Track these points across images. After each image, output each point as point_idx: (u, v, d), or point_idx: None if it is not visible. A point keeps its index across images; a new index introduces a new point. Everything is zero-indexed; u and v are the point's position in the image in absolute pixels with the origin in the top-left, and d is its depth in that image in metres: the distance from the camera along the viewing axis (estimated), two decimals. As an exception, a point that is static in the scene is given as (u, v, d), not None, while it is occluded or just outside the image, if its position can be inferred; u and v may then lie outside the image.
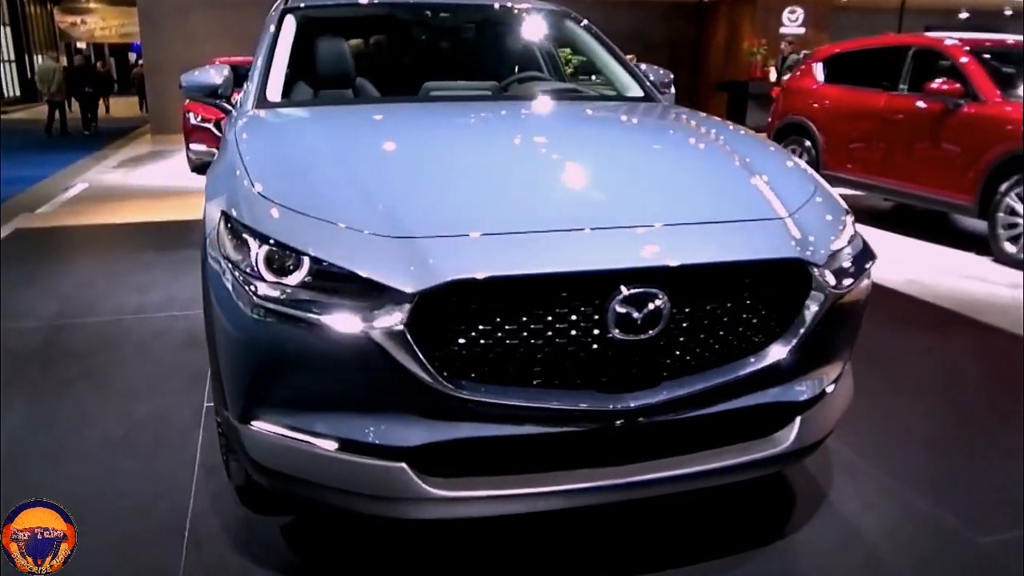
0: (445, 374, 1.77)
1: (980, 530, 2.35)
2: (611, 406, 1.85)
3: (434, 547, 2.25)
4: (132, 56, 29.89)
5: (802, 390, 2.07)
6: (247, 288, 1.86)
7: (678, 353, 1.91)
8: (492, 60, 3.76)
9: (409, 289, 1.73)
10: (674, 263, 1.83)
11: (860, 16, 18.98)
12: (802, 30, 16.94)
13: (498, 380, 1.82)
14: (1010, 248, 5.83)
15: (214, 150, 9.54)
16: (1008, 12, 19.13)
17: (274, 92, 2.95)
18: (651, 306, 1.81)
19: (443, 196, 2.06)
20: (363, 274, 1.77)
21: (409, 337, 1.73)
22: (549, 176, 2.22)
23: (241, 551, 2.23)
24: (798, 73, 8.62)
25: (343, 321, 1.76)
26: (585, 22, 3.60)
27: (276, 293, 1.83)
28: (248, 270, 1.88)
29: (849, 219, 2.24)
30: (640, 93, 3.29)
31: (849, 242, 2.14)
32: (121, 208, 7.64)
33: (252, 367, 1.92)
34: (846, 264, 2.08)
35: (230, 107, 3.10)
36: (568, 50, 5.04)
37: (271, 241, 1.87)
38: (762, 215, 2.05)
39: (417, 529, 2.27)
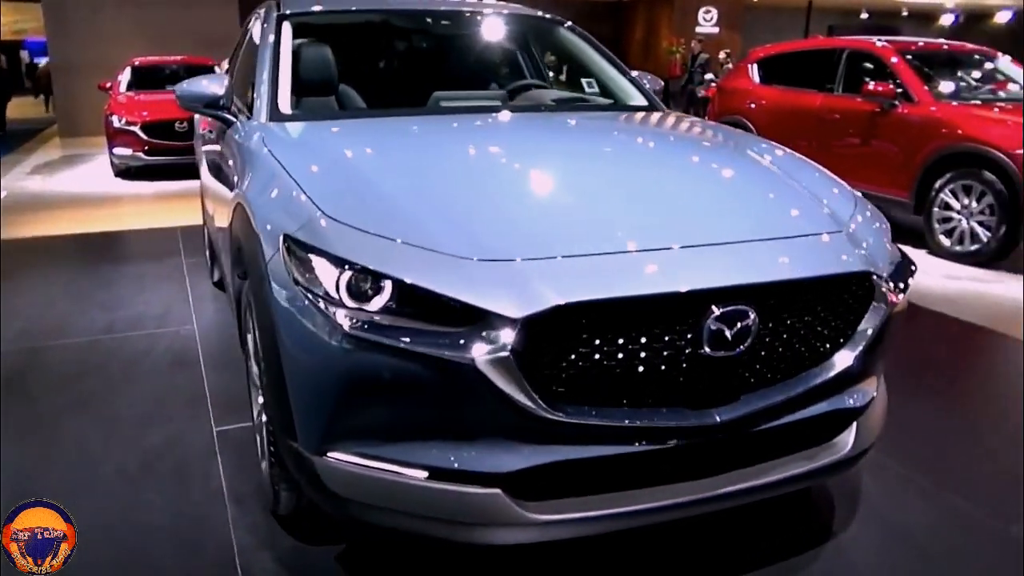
0: (543, 398, 1.76)
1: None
2: (700, 422, 1.88)
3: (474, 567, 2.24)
4: (25, 54, 28.19)
5: (857, 396, 2.15)
6: (330, 316, 1.80)
7: (758, 367, 1.95)
8: (489, 67, 3.74)
9: (515, 314, 1.71)
10: (765, 280, 1.87)
11: (769, 15, 19.70)
12: (716, 30, 17.45)
13: (593, 401, 1.82)
14: (945, 241, 6.18)
15: (139, 154, 9.18)
16: (905, 13, 20.22)
17: (285, 104, 2.85)
18: (741, 323, 1.84)
19: (523, 217, 2.05)
20: (463, 299, 1.74)
21: (515, 363, 1.71)
22: (618, 194, 2.22)
23: (302, 583, 2.16)
24: (733, 74, 8.88)
25: (440, 348, 1.73)
26: (581, 30, 3.62)
27: (360, 320, 1.78)
28: (327, 296, 1.82)
29: (887, 228, 2.33)
30: (643, 102, 3.33)
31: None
32: (53, 218, 7.22)
33: (334, 397, 1.87)
34: (896, 273, 2.16)
35: (232, 118, 2.97)
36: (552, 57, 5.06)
37: (356, 266, 1.81)
38: (828, 228, 2.12)
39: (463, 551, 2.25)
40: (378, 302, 1.80)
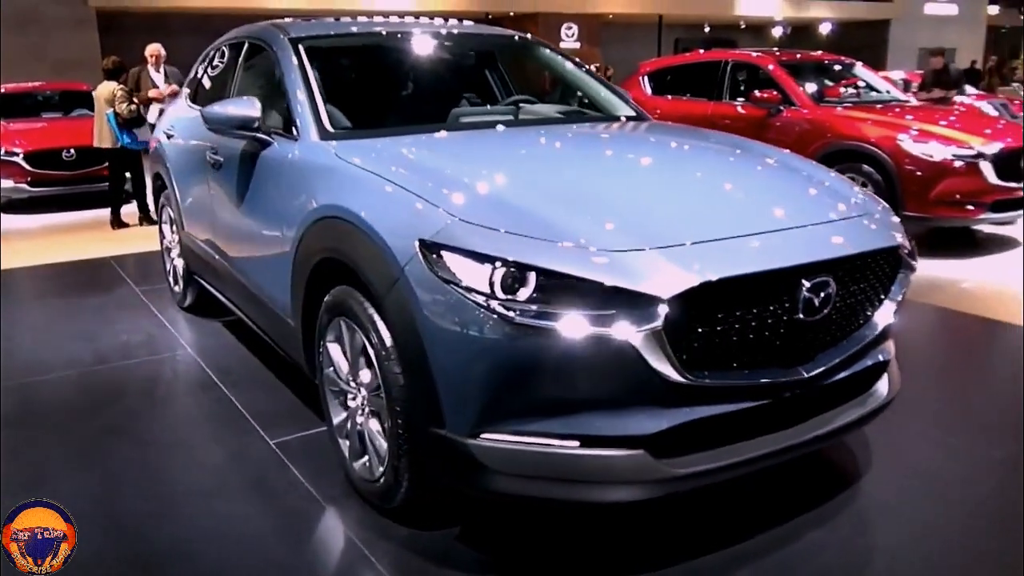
0: (680, 366, 2.05)
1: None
2: (793, 378, 2.22)
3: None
4: None
5: (887, 351, 2.58)
6: (488, 308, 2.01)
7: (828, 328, 2.32)
8: (476, 84, 3.98)
9: (664, 294, 1.99)
10: (841, 254, 2.26)
11: (622, 30, 20.83)
12: (577, 44, 18.29)
13: (717, 366, 2.13)
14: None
15: (23, 185, 8.65)
16: (743, 26, 21.96)
17: (328, 122, 2.98)
18: (824, 292, 2.21)
19: (634, 211, 2.32)
20: (614, 283, 2.00)
21: (664, 337, 1.99)
22: (697, 190, 2.56)
23: (439, 563, 2.33)
24: (625, 85, 9.48)
25: (596, 328, 1.98)
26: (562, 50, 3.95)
27: (519, 309, 2.00)
28: (479, 291, 2.03)
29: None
30: (632, 112, 3.68)
31: None
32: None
33: (491, 383, 2.07)
34: (911, 248, 2.61)
35: (267, 138, 3.07)
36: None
37: (508, 262, 2.03)
38: (866, 212, 2.52)
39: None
40: (524, 293, 2.03)
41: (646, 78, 8.93)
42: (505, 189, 2.38)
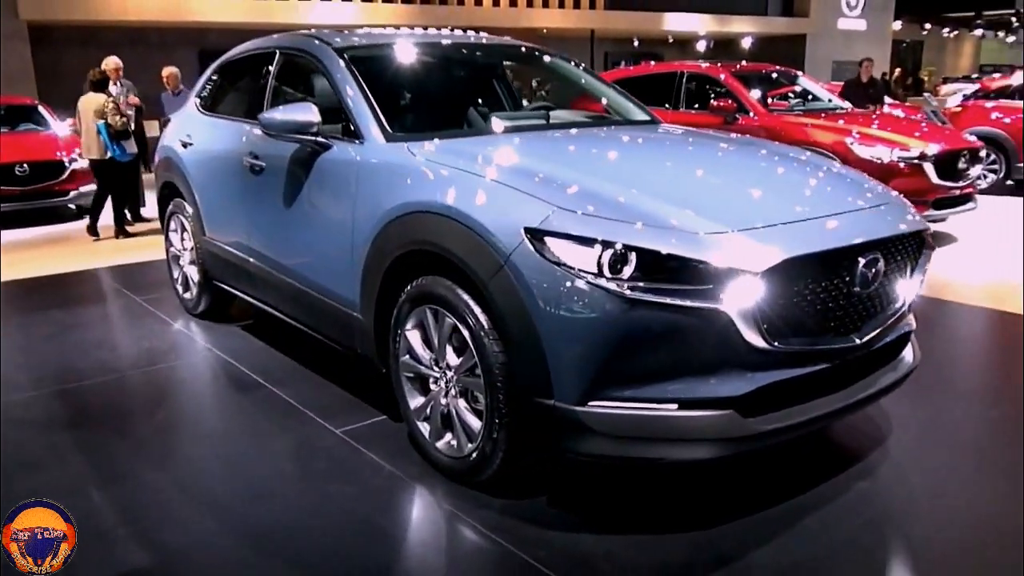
0: (766, 334, 2.32)
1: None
2: (850, 343, 2.53)
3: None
4: None
5: (911, 321, 2.91)
6: (599, 286, 2.25)
7: (876, 300, 2.63)
8: (496, 92, 4.22)
9: (757, 269, 2.26)
10: (888, 234, 2.58)
11: (556, 44, 21.27)
12: (513, 57, 18.61)
13: (792, 334, 2.40)
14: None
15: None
16: (670, 40, 22.78)
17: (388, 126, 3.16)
18: (875, 268, 2.52)
19: (709, 199, 2.60)
20: (713, 262, 2.26)
21: (757, 308, 2.26)
22: (750, 182, 2.84)
23: (537, 525, 2.54)
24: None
25: (697, 302, 2.24)
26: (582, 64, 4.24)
27: (628, 286, 2.25)
28: (588, 272, 2.27)
29: None
30: (646, 117, 3.98)
31: None
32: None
33: (601, 354, 2.31)
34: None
35: (327, 141, 3.22)
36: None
37: (614, 244, 2.27)
38: (894, 200, 2.85)
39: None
40: (627, 272, 2.28)
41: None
42: (590, 181, 2.61)
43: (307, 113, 3.20)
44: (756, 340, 2.31)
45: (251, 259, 3.91)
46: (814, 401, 2.53)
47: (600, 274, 2.28)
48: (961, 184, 7.09)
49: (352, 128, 3.21)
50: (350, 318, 3.18)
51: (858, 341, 2.56)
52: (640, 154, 3.23)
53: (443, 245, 2.63)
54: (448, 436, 2.83)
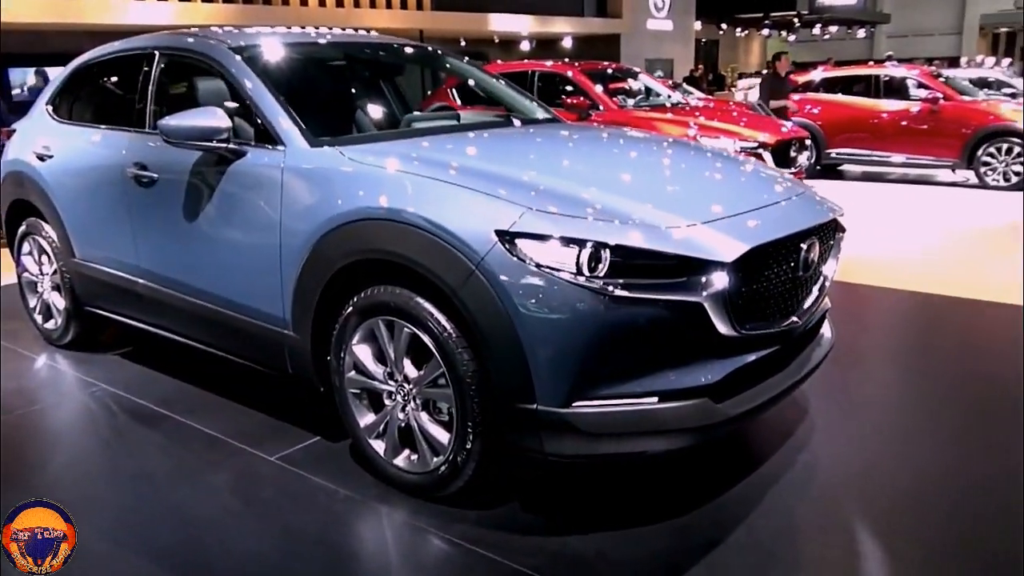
0: (734, 321, 2.41)
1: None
2: (793, 324, 2.68)
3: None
4: None
5: (827, 302, 3.13)
6: (578, 285, 2.25)
7: (810, 282, 2.80)
8: (387, 93, 4.10)
9: (727, 259, 2.35)
10: (822, 221, 2.75)
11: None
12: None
13: (751, 319, 2.51)
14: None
15: None
16: (496, 40, 23.11)
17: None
18: (814, 252, 2.69)
19: (662, 195, 2.66)
20: (684, 253, 2.32)
21: (726, 297, 2.34)
22: (689, 176, 2.94)
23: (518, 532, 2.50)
24: (435, 96, 9.76)
25: (675, 294, 2.30)
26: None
27: (604, 284, 2.26)
28: (565, 271, 2.26)
29: None
30: (549, 115, 4.01)
31: None
32: None
33: (583, 354, 2.31)
34: None
35: (241, 148, 3.00)
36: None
37: (591, 242, 2.28)
38: (809, 190, 3.03)
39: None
40: (601, 269, 2.29)
41: (454, 90, 9.29)
42: (548, 181, 2.59)
43: (215, 118, 2.96)
44: (725, 328, 2.39)
45: (141, 280, 3.57)
46: (767, 381, 2.65)
47: (579, 273, 2.28)
48: (793, 170, 7.70)
49: (267, 133, 3.01)
50: (278, 336, 2.98)
51: (799, 321, 2.72)
52: (579, 153, 3.25)
53: (401, 253, 2.52)
54: (406, 452, 2.72)
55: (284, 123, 2.97)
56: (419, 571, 2.43)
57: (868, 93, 11.30)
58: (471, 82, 4.29)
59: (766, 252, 2.51)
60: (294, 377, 3.03)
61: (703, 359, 2.43)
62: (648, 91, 9.27)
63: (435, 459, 2.62)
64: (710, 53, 33.94)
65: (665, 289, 2.31)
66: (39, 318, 4.36)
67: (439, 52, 4.22)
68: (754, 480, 2.79)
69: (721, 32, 32.87)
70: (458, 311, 2.43)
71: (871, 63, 17.45)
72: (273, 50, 3.48)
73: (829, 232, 2.90)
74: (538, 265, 2.29)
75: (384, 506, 2.67)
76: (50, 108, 4.20)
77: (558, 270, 2.28)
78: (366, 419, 2.80)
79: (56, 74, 4.33)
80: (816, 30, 34.13)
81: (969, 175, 10.33)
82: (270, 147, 2.97)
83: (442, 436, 2.59)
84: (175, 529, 2.58)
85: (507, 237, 2.33)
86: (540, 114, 4.01)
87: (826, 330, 3.12)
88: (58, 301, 4.19)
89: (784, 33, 36.23)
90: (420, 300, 2.51)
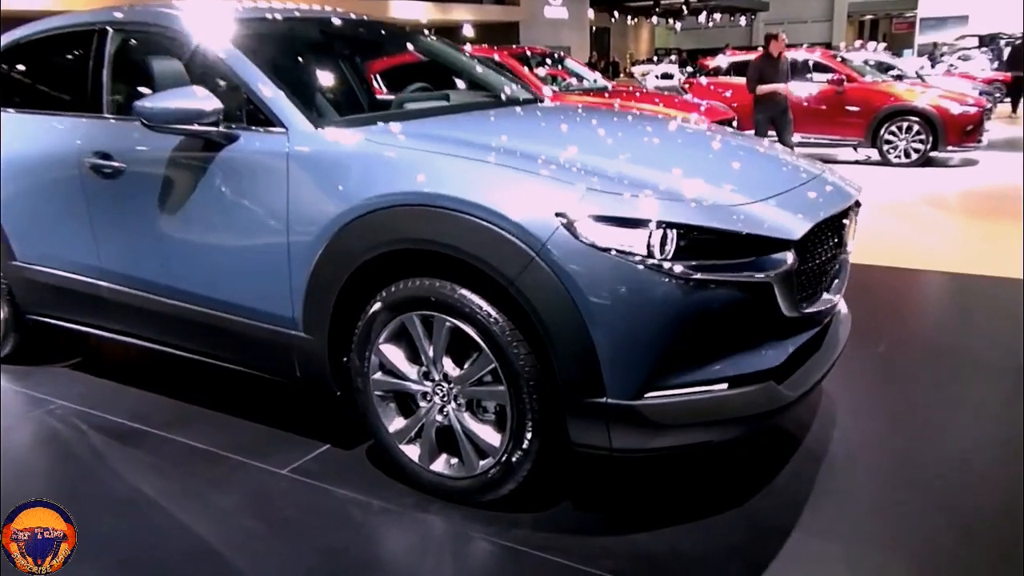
0: (795, 300, 2.34)
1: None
2: (834, 301, 2.64)
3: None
4: None
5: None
6: (652, 268, 2.11)
7: (841, 260, 2.76)
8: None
9: (795, 236, 2.26)
10: (854, 198, 2.70)
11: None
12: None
13: (804, 298, 2.44)
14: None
15: None
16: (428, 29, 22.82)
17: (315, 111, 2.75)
18: (852, 230, 2.65)
19: (702, 172, 2.55)
20: (754, 232, 2.21)
21: (790, 276, 2.26)
22: (721, 156, 2.85)
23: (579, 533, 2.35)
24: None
25: (749, 274, 2.20)
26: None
27: (681, 268, 2.13)
28: (635, 254, 2.12)
29: None
30: (532, 96, 3.84)
31: None
32: None
33: (658, 341, 2.17)
34: None
35: (234, 132, 2.71)
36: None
37: (660, 222, 2.14)
38: (827, 167, 2.98)
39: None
40: (670, 250, 2.16)
41: (379, 75, 8.95)
42: (597, 160, 2.44)
43: (203, 99, 2.65)
44: (787, 307, 2.31)
45: (104, 283, 3.19)
46: (811, 361, 2.59)
47: (650, 255, 2.14)
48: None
49: (260, 115, 2.72)
50: (286, 339, 2.71)
51: (835, 299, 2.67)
52: (608, 132, 3.09)
53: (443, 242, 2.31)
54: (444, 456, 2.52)
55: (282, 103, 2.69)
56: (492, 584, 2.24)
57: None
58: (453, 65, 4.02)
59: (821, 229, 2.45)
60: (300, 382, 2.77)
61: (767, 341, 2.34)
62: (574, 75, 9.22)
63: (482, 462, 2.43)
64: (601, 41, 34.44)
65: (737, 269, 2.20)
66: (-17, 329, 3.87)
67: (417, 32, 3.98)
68: (799, 461, 2.74)
69: (613, 20, 33.35)
70: (513, 302, 2.25)
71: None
72: (250, 26, 3.17)
73: (853, 210, 2.87)
74: (605, 249, 2.14)
75: (427, 516, 2.46)
76: (-34, 94, 3.71)
77: (628, 253, 2.13)
78: (395, 423, 2.58)
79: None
80: (702, 18, 35.16)
81: (872, 153, 10.80)
82: (267, 130, 2.69)
83: (490, 436, 2.40)
84: (197, 560, 2.29)
85: (569, 220, 2.16)
86: (525, 95, 3.84)
87: (843, 307, 3.10)
88: (-9, 310, 3.73)
89: (671, 21, 37.17)
90: (465, 292, 2.31)
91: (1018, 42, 17.18)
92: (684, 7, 32.43)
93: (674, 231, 2.16)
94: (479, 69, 3.94)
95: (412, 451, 2.56)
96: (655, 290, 2.13)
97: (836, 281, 2.72)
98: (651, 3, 31.50)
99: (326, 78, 3.50)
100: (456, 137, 2.60)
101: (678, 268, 2.13)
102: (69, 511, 2.49)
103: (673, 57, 30.83)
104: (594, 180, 2.27)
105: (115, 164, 3.01)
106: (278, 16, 3.37)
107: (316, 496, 2.58)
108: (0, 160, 3.45)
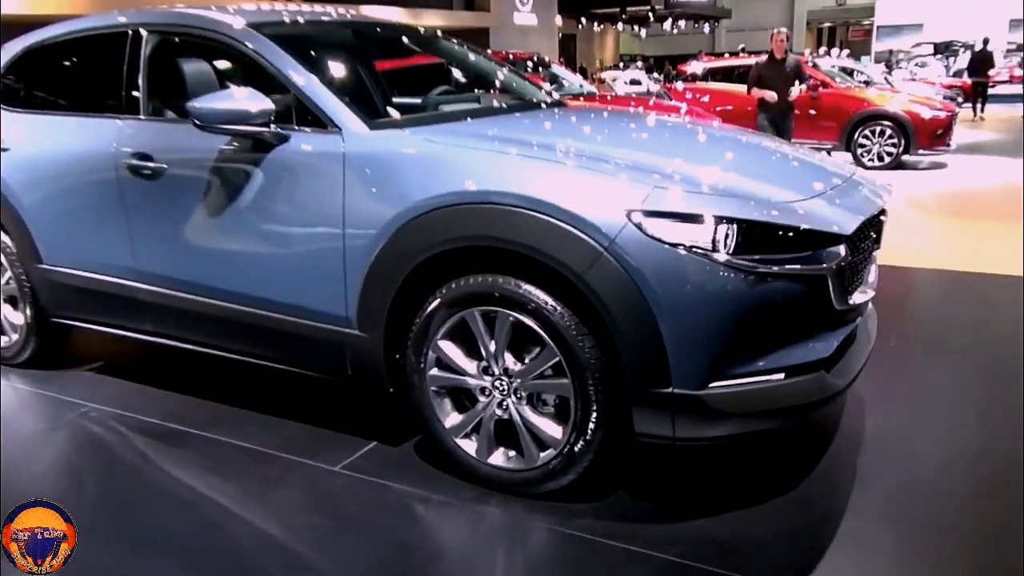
0: (844, 293, 2.44)
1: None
2: (867, 296, 2.74)
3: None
4: None
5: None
6: (719, 263, 2.20)
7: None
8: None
9: (848, 231, 2.37)
10: (887, 198, 2.81)
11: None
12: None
13: (849, 292, 2.54)
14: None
15: None
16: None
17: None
18: (883, 226, 2.76)
19: (751, 171, 2.64)
20: (811, 227, 2.31)
21: (842, 269, 2.36)
22: (759, 155, 2.94)
23: (640, 521, 2.42)
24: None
25: (812, 267, 2.30)
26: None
27: (745, 262, 2.22)
28: (705, 248, 2.21)
29: None
30: (547, 99, 3.91)
31: None
32: None
33: (725, 332, 2.25)
34: None
35: (286, 133, 2.74)
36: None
37: (724, 218, 2.23)
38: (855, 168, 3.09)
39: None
40: (732, 245, 2.25)
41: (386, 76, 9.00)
42: (654, 159, 2.53)
43: (257, 100, 2.69)
44: (837, 300, 2.40)
45: (141, 284, 3.18)
46: (850, 352, 2.69)
47: (715, 249, 2.22)
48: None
49: (310, 115, 2.75)
50: (339, 337, 2.74)
51: (871, 293, 2.78)
52: (652, 133, 3.18)
53: (511, 239, 2.37)
54: (501, 449, 2.58)
55: (335, 104, 2.73)
56: (568, 571, 2.29)
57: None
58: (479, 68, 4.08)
59: (865, 226, 2.55)
60: (350, 380, 2.80)
61: (818, 332, 2.44)
62: (557, 80, 9.31)
63: (543, 453, 2.49)
64: (567, 47, 34.66)
65: (796, 262, 2.29)
66: (-14, 332, 3.82)
67: (446, 37, 4.03)
68: (838, 447, 2.84)
69: (580, 27, 33.60)
70: (576, 297, 2.31)
71: (741, 54, 18.43)
72: (293, 28, 3.21)
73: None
74: (673, 244, 2.22)
75: (488, 508, 2.51)
76: (-12, 96, 3.67)
77: (694, 247, 2.21)
78: (451, 419, 2.62)
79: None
80: (667, 25, 35.58)
81: (846, 156, 11.07)
82: (319, 131, 2.72)
83: (551, 428, 2.46)
84: (270, 555, 2.31)
85: (637, 217, 2.24)
86: (550, 100, 3.91)
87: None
88: (12, 314, 3.69)
89: (636, 28, 37.56)
90: (530, 287, 2.37)
91: (978, 49, 17.69)
92: (650, 14, 32.79)
93: (735, 226, 2.25)
94: (502, 73, 4.01)
95: (468, 445, 2.60)
96: (720, 283, 2.21)
97: (870, 276, 2.83)
98: (617, 10, 31.79)
99: (370, 80, 3.55)
100: (513, 137, 2.66)
101: (741, 261, 2.21)
102: (124, 510, 2.51)
103: (640, 63, 31.15)
104: (658, 178, 2.35)
105: (155, 165, 3.01)
106: (323, 20, 3.42)
107: (375, 492, 2.61)
108: (25, 164, 3.44)
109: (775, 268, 2.25)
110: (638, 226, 2.23)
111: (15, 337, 3.70)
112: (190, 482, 2.74)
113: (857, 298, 2.61)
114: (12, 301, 3.69)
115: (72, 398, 3.40)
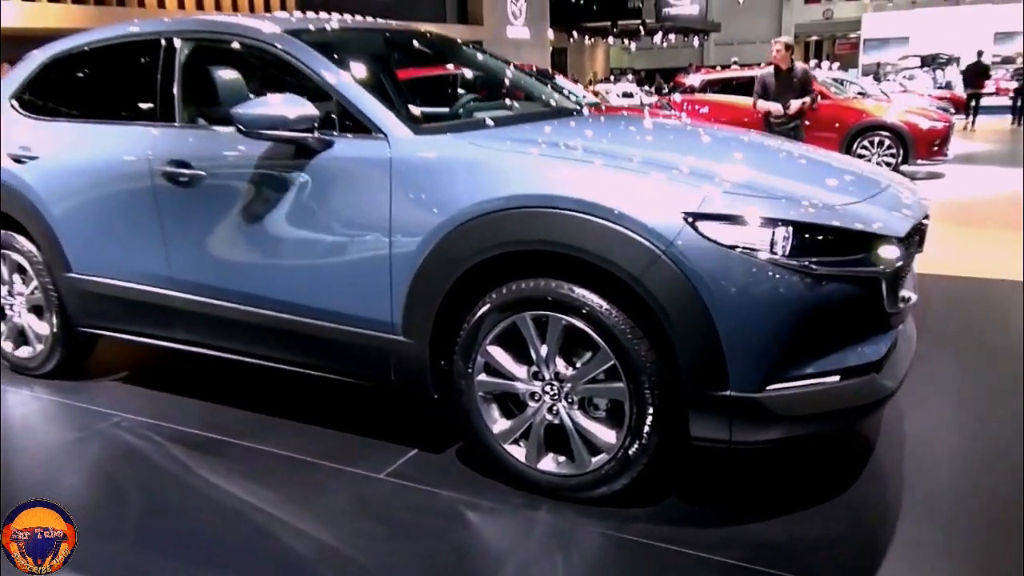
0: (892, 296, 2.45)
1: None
2: (910, 299, 2.74)
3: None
4: None
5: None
6: (778, 265, 2.20)
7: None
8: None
9: (901, 234, 2.38)
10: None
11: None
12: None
13: (898, 295, 2.55)
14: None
15: None
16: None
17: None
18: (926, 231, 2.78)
19: (796, 175, 2.66)
20: (868, 230, 2.33)
21: (894, 272, 2.37)
22: (798, 160, 2.95)
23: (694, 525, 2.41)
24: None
25: (867, 269, 2.30)
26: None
27: (805, 264, 2.23)
28: (763, 250, 2.22)
29: None
30: (576, 106, 3.93)
31: None
32: None
33: (783, 334, 2.26)
34: None
35: (330, 139, 2.74)
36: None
37: (781, 221, 2.24)
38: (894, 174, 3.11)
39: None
40: (787, 247, 2.25)
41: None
42: (706, 163, 2.54)
43: (301, 106, 2.68)
44: (889, 302, 2.41)
45: (175, 292, 3.16)
46: (895, 355, 2.70)
47: (772, 251, 2.23)
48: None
49: (353, 121, 2.75)
50: (384, 343, 2.72)
51: (915, 296, 2.79)
52: (692, 139, 3.19)
53: (565, 243, 2.36)
54: (550, 455, 2.56)
55: (379, 110, 2.73)
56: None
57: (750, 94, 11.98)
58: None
59: (913, 230, 2.57)
60: (394, 386, 2.79)
61: (871, 335, 2.44)
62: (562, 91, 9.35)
63: (595, 458, 2.47)
64: (558, 60, 34.84)
65: (852, 265, 2.30)
66: (9, 345, 3.77)
67: (463, 44, 4.05)
68: (884, 449, 2.84)
69: (571, 40, 33.80)
70: (630, 300, 2.31)
71: (733, 66, 18.59)
72: (330, 35, 3.21)
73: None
74: (730, 246, 2.22)
75: (539, 513, 2.50)
76: (16, 104, 3.64)
77: (752, 249, 2.22)
78: (499, 424, 2.61)
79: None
80: (657, 38, 35.84)
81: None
82: (364, 136, 2.72)
83: (603, 433, 2.45)
84: (326, 562, 2.29)
85: (696, 218, 2.24)
86: (570, 105, 3.92)
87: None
88: (37, 324, 3.65)
89: (627, 41, 37.81)
90: (583, 291, 2.37)
91: (973, 61, 17.95)
92: (640, 28, 33.03)
93: (791, 228, 2.26)
94: (534, 81, 4.03)
95: (517, 451, 2.59)
96: (777, 285, 2.22)
97: (912, 280, 2.84)
98: (608, 24, 32.01)
99: (409, 86, 3.56)
100: (561, 142, 2.67)
101: (798, 263, 2.22)
102: (172, 519, 2.49)
103: (631, 76, 31.36)
104: (713, 182, 2.36)
105: (193, 172, 2.99)
106: (358, 27, 3.43)
107: (423, 498, 2.59)
108: (54, 172, 3.42)
109: (832, 270, 2.26)
110: (695, 229, 2.23)
111: (40, 347, 3.66)
112: (233, 490, 2.71)
113: (905, 300, 2.62)
114: (37, 311, 3.65)
115: (102, 408, 3.37)
